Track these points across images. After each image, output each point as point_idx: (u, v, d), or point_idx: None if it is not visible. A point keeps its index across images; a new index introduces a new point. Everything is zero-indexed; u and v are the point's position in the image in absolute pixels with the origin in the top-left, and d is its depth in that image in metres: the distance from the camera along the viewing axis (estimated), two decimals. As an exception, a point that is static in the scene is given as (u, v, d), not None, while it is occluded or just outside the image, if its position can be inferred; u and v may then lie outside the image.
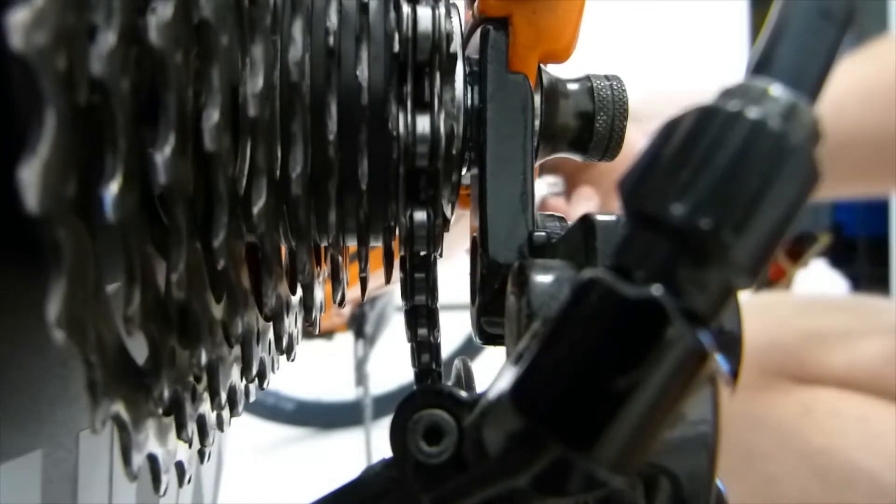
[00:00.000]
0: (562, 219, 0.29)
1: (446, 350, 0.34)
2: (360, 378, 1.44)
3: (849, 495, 0.64)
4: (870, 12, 2.30)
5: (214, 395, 0.27)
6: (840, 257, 2.40)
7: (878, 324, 0.69)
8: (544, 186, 0.72)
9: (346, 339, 1.41)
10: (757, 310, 0.76)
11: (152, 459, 0.23)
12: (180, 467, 0.26)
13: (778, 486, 0.69)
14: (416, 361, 0.32)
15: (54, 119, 0.16)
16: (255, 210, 0.24)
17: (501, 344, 0.28)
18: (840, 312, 0.74)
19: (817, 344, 0.70)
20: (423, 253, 0.29)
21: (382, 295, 1.43)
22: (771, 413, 0.69)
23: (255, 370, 0.30)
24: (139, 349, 0.23)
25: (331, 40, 0.26)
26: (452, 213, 0.30)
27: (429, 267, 0.30)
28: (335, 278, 0.34)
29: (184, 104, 0.21)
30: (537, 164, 0.30)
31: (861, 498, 0.64)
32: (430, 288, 0.31)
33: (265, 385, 0.35)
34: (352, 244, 0.31)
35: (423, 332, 0.32)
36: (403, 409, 0.23)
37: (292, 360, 0.37)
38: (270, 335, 0.34)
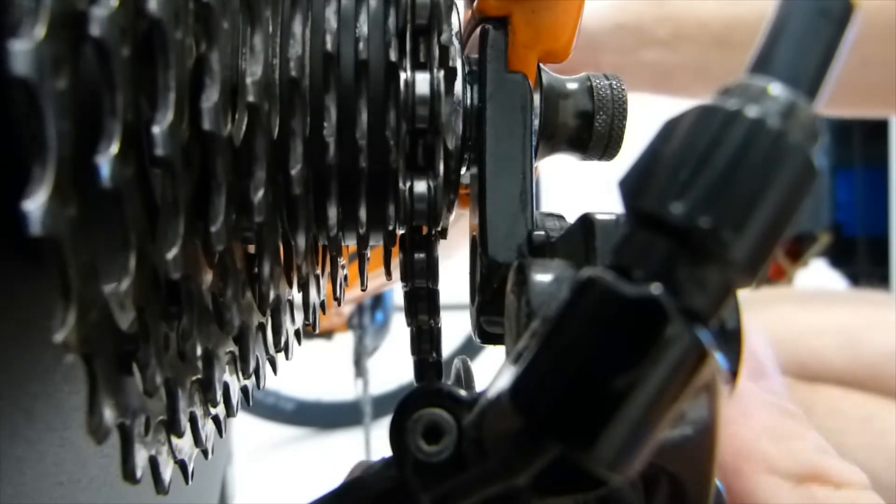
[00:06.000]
0: (561, 217, 0.29)
1: (446, 350, 0.33)
2: (360, 370, 1.44)
3: None
4: None
5: (210, 393, 0.27)
6: (840, 257, 2.40)
7: (879, 319, 0.69)
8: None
9: (345, 339, 1.41)
10: (757, 305, 0.76)
11: (122, 427, 0.22)
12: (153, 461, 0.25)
13: None
14: (416, 350, 0.32)
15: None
16: (255, 203, 0.24)
17: (501, 343, 0.28)
18: (841, 308, 0.74)
19: (818, 341, 0.70)
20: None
21: (383, 295, 1.43)
22: None
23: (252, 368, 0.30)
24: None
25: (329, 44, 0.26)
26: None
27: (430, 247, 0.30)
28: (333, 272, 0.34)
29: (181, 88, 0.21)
30: (537, 163, 0.30)
31: None
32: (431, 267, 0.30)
33: (262, 385, 0.34)
34: (351, 243, 0.31)
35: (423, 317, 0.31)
36: (403, 409, 0.23)
37: (289, 359, 0.36)
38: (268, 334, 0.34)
